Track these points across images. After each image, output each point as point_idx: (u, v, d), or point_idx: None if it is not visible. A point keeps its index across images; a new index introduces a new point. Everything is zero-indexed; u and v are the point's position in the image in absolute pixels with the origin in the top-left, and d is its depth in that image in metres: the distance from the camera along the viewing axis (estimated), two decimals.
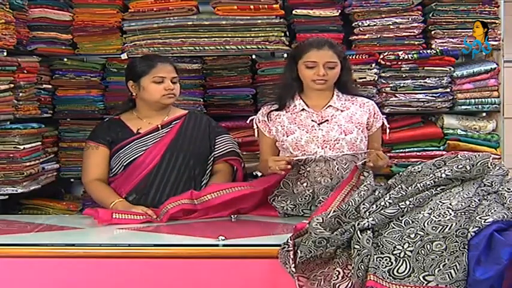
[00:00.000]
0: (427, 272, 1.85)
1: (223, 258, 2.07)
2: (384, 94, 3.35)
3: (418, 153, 3.36)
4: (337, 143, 2.57)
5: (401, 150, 3.33)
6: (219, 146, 2.90)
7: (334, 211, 2.06)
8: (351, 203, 2.11)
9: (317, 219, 2.00)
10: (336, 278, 1.93)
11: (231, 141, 2.96)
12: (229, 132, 3.08)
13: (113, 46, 3.45)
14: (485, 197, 2.05)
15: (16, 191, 2.98)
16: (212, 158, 2.89)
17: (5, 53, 2.92)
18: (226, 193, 2.54)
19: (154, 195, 2.75)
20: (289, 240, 2.00)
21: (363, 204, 2.09)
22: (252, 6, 3.32)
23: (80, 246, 2.12)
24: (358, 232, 1.93)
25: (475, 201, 2.02)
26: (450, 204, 2.00)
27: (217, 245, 2.09)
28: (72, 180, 3.60)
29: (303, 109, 2.69)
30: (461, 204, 1.99)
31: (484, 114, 3.41)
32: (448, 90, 3.35)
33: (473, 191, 2.07)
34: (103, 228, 2.41)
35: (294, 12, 3.38)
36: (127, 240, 2.30)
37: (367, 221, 1.96)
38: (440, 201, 2.04)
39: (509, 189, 2.07)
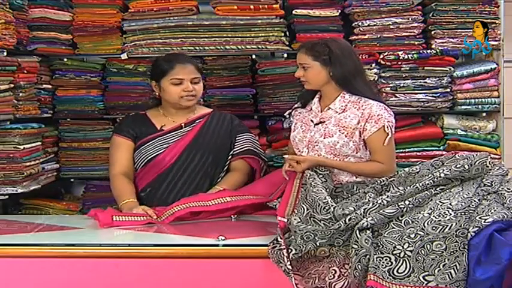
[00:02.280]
0: (427, 272, 1.86)
1: (223, 258, 2.07)
2: (384, 94, 3.34)
3: (418, 153, 3.36)
4: (316, 145, 2.55)
5: (401, 150, 3.31)
6: (238, 143, 2.90)
7: (307, 209, 2.10)
8: (318, 197, 2.15)
9: (295, 219, 2.05)
10: (332, 276, 1.93)
11: (250, 140, 2.95)
12: (251, 131, 3.05)
13: (113, 46, 3.45)
14: (485, 197, 2.05)
15: (16, 191, 2.98)
16: (230, 156, 2.89)
17: (5, 53, 2.92)
18: (235, 200, 2.55)
19: (164, 192, 2.75)
20: (279, 239, 2.01)
21: (348, 206, 2.10)
22: (252, 6, 3.31)
23: (80, 246, 2.13)
24: (357, 232, 1.94)
25: (475, 201, 2.02)
26: (450, 204, 2.01)
27: (217, 245, 2.09)
28: (72, 180, 3.60)
29: (311, 108, 2.68)
30: (461, 204, 2.00)
31: (484, 114, 3.40)
32: (448, 90, 3.35)
33: (473, 191, 2.08)
34: (103, 228, 2.40)
35: (294, 12, 3.37)
36: (127, 240, 2.31)
37: (366, 221, 1.97)
38: (440, 201, 2.04)
39: (509, 189, 2.07)
